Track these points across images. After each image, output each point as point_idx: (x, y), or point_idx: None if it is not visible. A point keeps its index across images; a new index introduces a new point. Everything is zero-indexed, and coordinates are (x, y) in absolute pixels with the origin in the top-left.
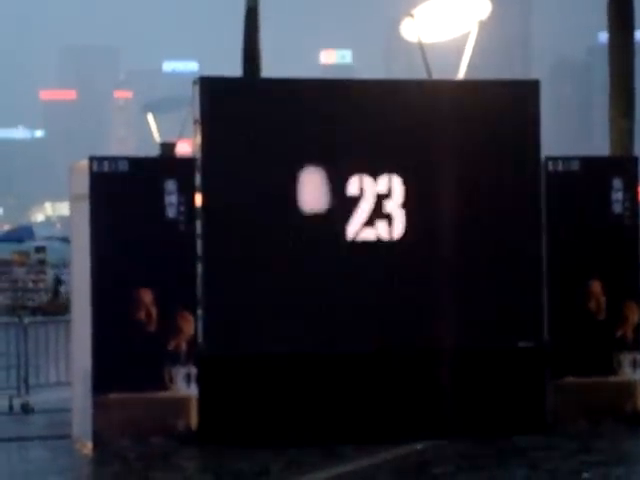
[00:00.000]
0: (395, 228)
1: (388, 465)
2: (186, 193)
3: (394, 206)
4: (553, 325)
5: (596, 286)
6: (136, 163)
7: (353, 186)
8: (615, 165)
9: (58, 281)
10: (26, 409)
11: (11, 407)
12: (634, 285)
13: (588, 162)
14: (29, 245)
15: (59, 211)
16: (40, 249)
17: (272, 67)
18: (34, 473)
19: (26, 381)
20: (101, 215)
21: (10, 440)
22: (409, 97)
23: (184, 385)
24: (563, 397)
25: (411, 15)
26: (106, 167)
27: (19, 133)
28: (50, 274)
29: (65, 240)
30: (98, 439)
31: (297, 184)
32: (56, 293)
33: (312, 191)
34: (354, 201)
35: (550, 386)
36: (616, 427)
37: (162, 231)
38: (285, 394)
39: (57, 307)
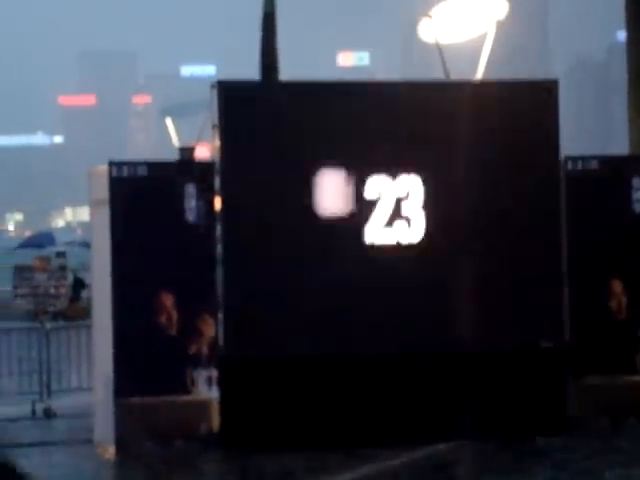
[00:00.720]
0: (414, 230)
1: (411, 466)
2: (205, 197)
3: (413, 207)
4: (574, 325)
5: (617, 285)
6: (155, 167)
7: (372, 188)
8: (635, 164)
9: (81, 284)
10: (48, 414)
11: (34, 412)
12: None
13: (607, 161)
14: (50, 251)
15: (79, 216)
16: (61, 254)
17: (290, 70)
18: (57, 478)
19: (48, 386)
20: (121, 220)
21: (33, 445)
22: (427, 98)
23: (206, 388)
24: (585, 397)
25: (429, 16)
26: (125, 172)
27: (38, 139)
28: (70, 278)
29: (85, 245)
30: (120, 443)
31: (316, 187)
32: (76, 298)
33: (331, 194)
34: (373, 203)
35: (571, 386)
36: (638, 427)
37: (182, 235)
38: (306, 396)
39: (78, 311)
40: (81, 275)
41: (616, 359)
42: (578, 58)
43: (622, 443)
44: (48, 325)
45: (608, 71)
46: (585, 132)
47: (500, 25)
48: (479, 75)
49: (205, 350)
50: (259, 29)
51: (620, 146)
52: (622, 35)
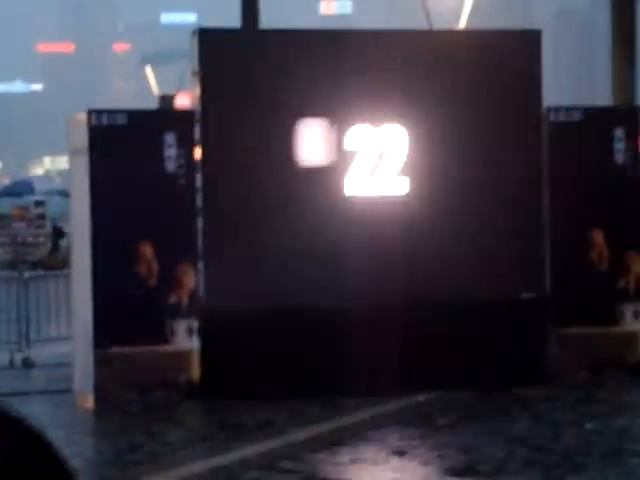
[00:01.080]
0: (397, 182)
1: (391, 416)
2: (185, 146)
3: (396, 159)
4: (555, 276)
5: (598, 236)
6: (135, 116)
7: (354, 138)
8: (617, 115)
9: (59, 233)
10: (27, 363)
11: (12, 362)
12: (636, 236)
13: (590, 112)
14: (28, 199)
15: (58, 165)
16: (39, 203)
17: (272, 18)
18: None
19: (27, 336)
20: (100, 168)
21: (11, 395)
22: (410, 47)
23: (186, 338)
24: (565, 348)
25: None
26: (105, 120)
27: (17, 87)
28: (49, 228)
29: (64, 194)
30: (100, 393)
31: (297, 137)
32: (55, 247)
33: (313, 143)
34: (355, 154)
35: (552, 337)
36: (618, 378)
37: (161, 184)
38: (287, 347)
39: (57, 261)
40: (60, 224)
41: (597, 310)
42: (561, 8)
43: (602, 394)
44: (26, 274)
45: (592, 22)
46: (568, 83)
47: None
48: (462, 24)
49: (185, 300)
50: None
51: (603, 97)
52: None
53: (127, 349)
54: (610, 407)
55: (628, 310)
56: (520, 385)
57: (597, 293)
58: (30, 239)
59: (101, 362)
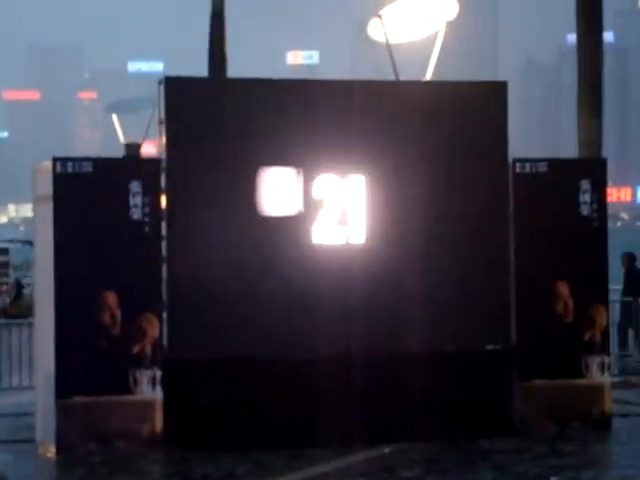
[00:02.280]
0: (361, 231)
1: (356, 468)
2: (151, 194)
3: (361, 208)
4: (520, 327)
5: (564, 288)
6: (100, 164)
7: (320, 188)
8: (583, 167)
9: (20, 285)
10: None
11: None
12: (602, 288)
13: (556, 164)
14: None
15: (22, 213)
16: (3, 251)
17: (239, 68)
18: None
19: None
20: (65, 216)
21: None
22: (376, 97)
23: (149, 388)
24: (531, 400)
25: (378, 16)
26: (70, 168)
27: None
28: (13, 276)
29: (28, 243)
30: (62, 443)
31: (263, 186)
32: (18, 296)
33: (278, 193)
34: (320, 203)
35: (517, 389)
36: (584, 430)
37: (127, 233)
38: (250, 398)
39: (20, 310)
40: (22, 273)
41: (563, 362)
42: (528, 60)
43: (568, 447)
44: None
45: (558, 73)
46: (534, 134)
47: (450, 26)
48: (428, 75)
49: (149, 350)
50: (208, 27)
51: (569, 148)
52: (572, 38)
53: (89, 399)
54: (576, 460)
55: (594, 362)
56: (486, 437)
57: (563, 345)
58: None
59: (63, 412)
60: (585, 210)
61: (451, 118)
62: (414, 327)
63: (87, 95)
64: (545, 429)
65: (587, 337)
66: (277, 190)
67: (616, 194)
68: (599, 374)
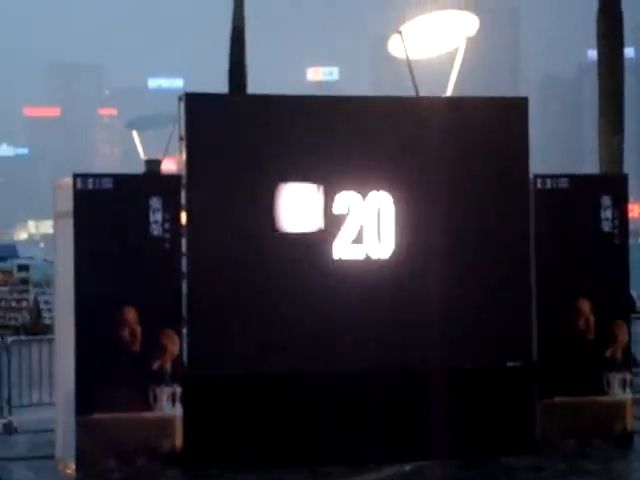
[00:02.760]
0: (384, 247)
1: None
2: (171, 210)
3: (382, 224)
4: (542, 344)
5: (585, 305)
6: (121, 180)
7: (341, 204)
8: (604, 183)
9: (38, 304)
10: (9, 429)
11: None
12: (623, 304)
13: (577, 180)
14: (12, 264)
15: (42, 229)
16: (23, 267)
17: (259, 84)
18: None
19: (9, 401)
20: (85, 233)
21: None
22: (396, 114)
23: (169, 405)
24: (552, 417)
25: (399, 32)
26: (90, 184)
27: (2, 150)
28: (33, 293)
29: (48, 259)
30: (82, 460)
31: (283, 202)
32: (39, 313)
33: (298, 209)
34: (341, 219)
35: (539, 406)
36: (605, 447)
37: (147, 249)
38: (270, 414)
39: (40, 327)
40: (41, 290)
41: (584, 379)
42: (548, 76)
43: (589, 464)
44: (9, 339)
45: (579, 89)
46: (555, 150)
47: (470, 41)
48: (449, 91)
49: (169, 366)
50: (229, 43)
51: (590, 164)
52: (593, 54)
53: (110, 415)
54: (598, 478)
55: (615, 379)
56: (507, 454)
57: (584, 362)
58: (13, 304)
59: (83, 428)
60: (606, 226)
61: (472, 134)
62: (435, 344)
63: (107, 112)
64: (567, 446)
65: (608, 354)
66: (297, 206)
67: (637, 210)
68: (621, 391)
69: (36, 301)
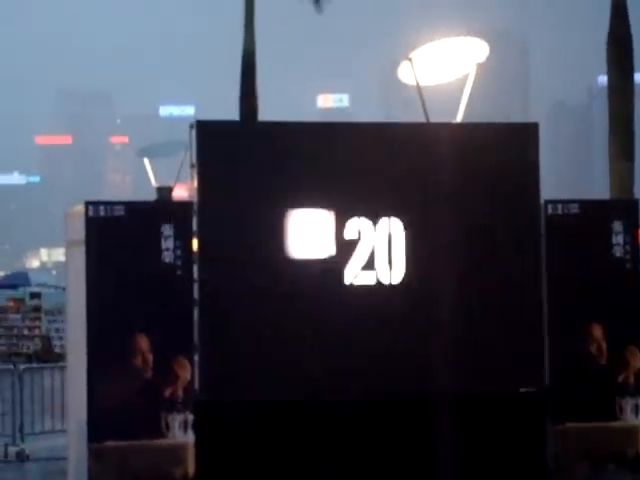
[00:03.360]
0: (395, 273)
1: None
2: (183, 238)
3: (392, 250)
4: (554, 370)
5: (597, 330)
6: (132, 208)
7: (352, 230)
8: (615, 208)
9: (49, 339)
10: (21, 457)
11: (6, 455)
12: (636, 329)
13: (588, 205)
14: (24, 291)
15: (54, 257)
16: (35, 295)
17: (270, 111)
18: None
19: (21, 429)
20: (97, 260)
21: None
22: (407, 140)
23: (181, 432)
24: (564, 443)
25: (409, 59)
26: (102, 212)
27: (14, 179)
28: (45, 321)
29: (60, 287)
30: None
31: (295, 229)
32: (49, 341)
33: (309, 236)
34: (352, 245)
35: (551, 432)
36: (619, 473)
37: (159, 276)
38: (283, 441)
39: (52, 354)
40: (53, 317)
41: (597, 405)
42: (559, 101)
43: None
44: (21, 366)
45: (589, 114)
46: (566, 175)
47: (480, 67)
48: (459, 117)
49: (180, 393)
50: (239, 69)
51: (601, 189)
52: (603, 79)
53: (122, 443)
54: None
55: (628, 404)
56: None
57: (596, 387)
58: (25, 331)
59: (95, 456)
60: (618, 251)
61: (482, 160)
62: (446, 370)
63: (119, 140)
64: (580, 472)
65: (621, 379)
66: (308, 233)
67: None
68: (633, 416)
69: (47, 338)
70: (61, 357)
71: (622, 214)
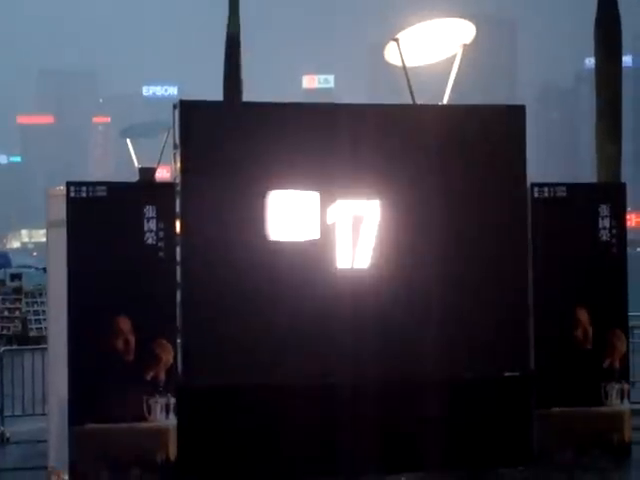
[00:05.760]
0: (377, 256)
1: None
2: (165, 219)
3: (377, 233)
4: (539, 354)
5: (583, 314)
6: (115, 188)
7: (335, 213)
8: (602, 192)
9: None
10: (1, 439)
11: None
12: (621, 313)
13: (575, 188)
14: (4, 273)
15: (35, 238)
16: (16, 277)
17: (254, 92)
18: None
19: (1, 411)
20: (78, 241)
21: None
22: (392, 121)
23: (162, 416)
24: (549, 427)
25: (395, 39)
26: (84, 192)
27: None
28: (24, 303)
29: (41, 268)
30: (75, 470)
31: (279, 210)
32: (26, 323)
33: (293, 217)
34: (336, 228)
35: (536, 416)
36: (603, 458)
37: (141, 258)
38: (265, 425)
39: (27, 337)
40: (34, 299)
41: (582, 389)
42: (546, 84)
43: (586, 475)
44: (1, 348)
45: (576, 98)
46: (552, 158)
47: (467, 49)
48: (445, 99)
49: (162, 376)
50: (224, 51)
51: (588, 172)
52: (591, 62)
53: (103, 426)
54: None
55: (613, 389)
56: (504, 465)
57: (582, 372)
58: (6, 313)
59: (76, 439)
60: (604, 235)
61: (468, 142)
62: (432, 354)
63: (101, 119)
64: (564, 457)
65: (606, 364)
66: (292, 215)
67: (635, 219)
68: (618, 401)
69: (26, 311)
70: (37, 340)
71: (609, 198)
